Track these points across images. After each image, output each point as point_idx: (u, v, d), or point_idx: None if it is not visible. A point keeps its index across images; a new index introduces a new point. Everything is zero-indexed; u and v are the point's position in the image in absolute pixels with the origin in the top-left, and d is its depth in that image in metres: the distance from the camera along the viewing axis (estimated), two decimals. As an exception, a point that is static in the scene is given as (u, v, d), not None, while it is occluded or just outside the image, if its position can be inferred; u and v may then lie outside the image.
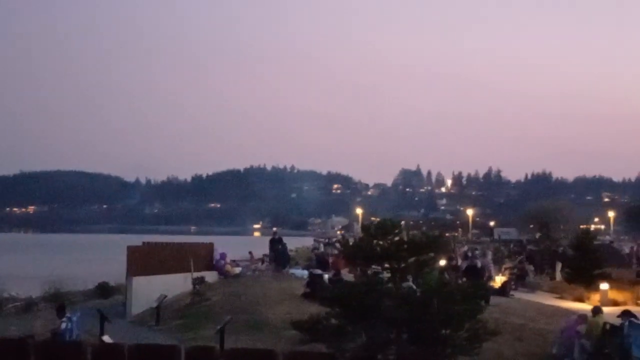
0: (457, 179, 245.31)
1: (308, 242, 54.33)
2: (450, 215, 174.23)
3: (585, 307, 19.61)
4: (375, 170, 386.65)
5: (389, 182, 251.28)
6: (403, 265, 12.15)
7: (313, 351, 10.86)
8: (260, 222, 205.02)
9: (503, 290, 23.54)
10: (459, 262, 26.93)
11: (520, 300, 22.36)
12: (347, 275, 22.54)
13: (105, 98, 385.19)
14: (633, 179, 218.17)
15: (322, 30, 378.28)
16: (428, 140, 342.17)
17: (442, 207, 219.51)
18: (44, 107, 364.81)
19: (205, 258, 25.52)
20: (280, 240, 29.35)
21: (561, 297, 24.03)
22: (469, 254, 29.16)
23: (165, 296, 20.70)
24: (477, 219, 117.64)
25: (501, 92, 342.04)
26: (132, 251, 23.61)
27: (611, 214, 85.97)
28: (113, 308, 22.34)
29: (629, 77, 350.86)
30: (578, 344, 13.63)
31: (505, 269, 29.75)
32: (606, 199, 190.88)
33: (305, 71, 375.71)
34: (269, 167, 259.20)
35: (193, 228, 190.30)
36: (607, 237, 65.48)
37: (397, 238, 12.26)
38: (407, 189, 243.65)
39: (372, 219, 45.87)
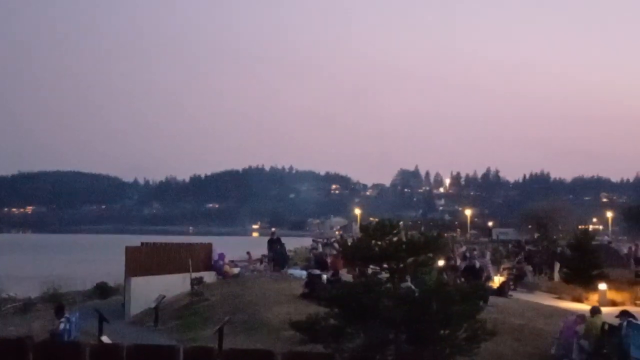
0: (455, 179, 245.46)
1: (306, 242, 54.27)
2: (448, 216, 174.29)
3: (584, 307, 19.61)
4: (374, 170, 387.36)
5: (387, 182, 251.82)
6: (402, 265, 12.15)
7: (312, 351, 10.85)
8: (259, 223, 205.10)
9: (501, 291, 23.55)
10: (458, 262, 26.95)
11: (518, 301, 22.35)
12: (345, 275, 22.55)
13: (104, 98, 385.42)
14: (631, 180, 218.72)
15: (320, 31, 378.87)
16: (426, 140, 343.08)
17: (441, 208, 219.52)
18: (42, 107, 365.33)
19: (203, 258, 25.51)
20: (278, 241, 29.34)
21: (560, 298, 24.04)
22: (468, 254, 29.17)
23: (164, 296, 20.69)
24: (476, 219, 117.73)
25: (500, 93, 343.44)
26: (130, 251, 23.59)
27: (609, 214, 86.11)
28: (112, 308, 22.30)
29: (628, 78, 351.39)
30: (577, 344, 13.64)
31: (504, 269, 29.77)
32: (604, 200, 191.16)
33: (304, 72, 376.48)
34: (267, 168, 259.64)
35: (191, 228, 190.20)
36: (606, 238, 65.52)
37: (395, 238, 12.25)
38: (406, 190, 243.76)
39: (371, 219, 45.87)
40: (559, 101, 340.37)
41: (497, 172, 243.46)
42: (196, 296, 21.61)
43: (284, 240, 30.71)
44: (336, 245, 30.85)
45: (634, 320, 13.11)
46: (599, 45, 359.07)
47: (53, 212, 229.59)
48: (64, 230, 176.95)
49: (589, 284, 23.61)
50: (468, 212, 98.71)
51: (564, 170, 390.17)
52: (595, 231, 74.69)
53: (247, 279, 25.04)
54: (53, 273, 28.17)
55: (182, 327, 18.69)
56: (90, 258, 58.43)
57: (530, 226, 58.98)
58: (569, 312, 17.50)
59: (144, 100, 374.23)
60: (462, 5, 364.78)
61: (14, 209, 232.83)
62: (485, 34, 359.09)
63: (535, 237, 49.56)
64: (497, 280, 25.71)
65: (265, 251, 30.83)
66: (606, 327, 13.93)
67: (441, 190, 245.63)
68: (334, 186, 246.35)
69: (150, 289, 21.35)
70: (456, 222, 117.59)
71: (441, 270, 23.15)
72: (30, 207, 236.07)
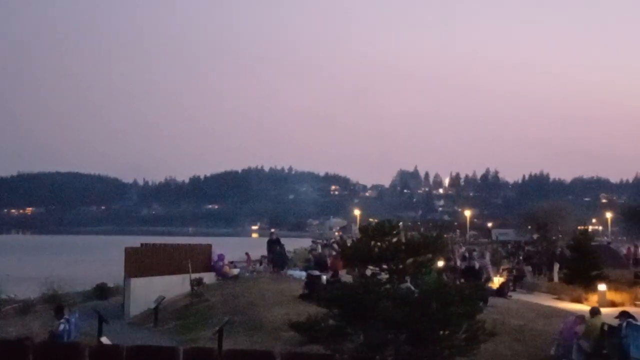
0: (454, 180, 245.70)
1: (306, 243, 54.25)
2: (448, 217, 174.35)
3: (584, 308, 19.63)
4: (373, 171, 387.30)
5: (386, 183, 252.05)
6: (401, 266, 12.15)
7: (311, 352, 10.85)
8: (258, 223, 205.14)
9: (501, 291, 23.57)
10: (457, 263, 26.95)
11: (518, 301, 22.36)
12: (345, 276, 22.54)
13: (104, 99, 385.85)
14: (631, 180, 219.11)
15: (320, 31, 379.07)
16: (426, 141, 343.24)
17: (440, 208, 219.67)
18: (42, 107, 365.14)
19: (203, 259, 25.52)
20: (278, 242, 29.31)
21: (559, 298, 24.04)
22: (467, 255, 29.18)
23: (164, 297, 20.69)
24: (475, 220, 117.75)
25: (499, 93, 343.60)
26: (130, 252, 23.61)
27: (609, 215, 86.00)
28: (111, 309, 22.31)
29: (627, 78, 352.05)
30: (576, 344, 13.63)
31: (503, 269, 29.79)
32: (604, 200, 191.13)
33: (304, 72, 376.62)
34: (267, 169, 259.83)
35: (191, 229, 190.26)
36: (605, 238, 65.58)
37: (395, 239, 12.25)
38: (405, 190, 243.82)
39: (370, 220, 45.86)
40: (558, 101, 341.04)
41: (496, 172, 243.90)
42: (196, 297, 21.60)
43: (283, 241, 30.68)
44: (335, 246, 30.84)
45: (633, 321, 13.11)
46: (599, 45, 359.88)
47: (52, 213, 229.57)
48: (64, 231, 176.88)
49: (589, 285, 23.62)
50: (467, 213, 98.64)
51: (563, 171, 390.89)
52: (595, 232, 74.82)
53: (246, 280, 25.05)
54: (53, 274, 28.01)
55: (181, 328, 18.68)
56: (90, 259, 58.40)
57: (529, 227, 58.86)
58: (569, 313, 17.50)
59: (144, 100, 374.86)
60: (462, 5, 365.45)
61: (13, 210, 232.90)
62: (485, 34, 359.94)
63: (535, 237, 49.50)
64: (496, 281, 25.73)
65: (264, 252, 30.82)
66: (606, 327, 13.93)
67: (440, 191, 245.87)
68: (333, 187, 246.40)
69: (150, 290, 21.36)
70: (455, 223, 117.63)
71: (441, 271, 23.16)
72: (30, 208, 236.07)
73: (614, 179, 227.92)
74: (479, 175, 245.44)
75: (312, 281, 21.31)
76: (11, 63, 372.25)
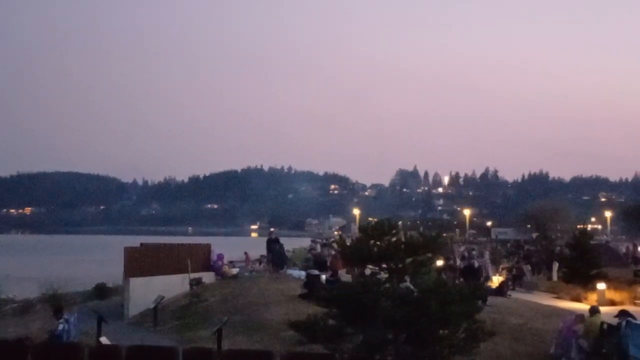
0: (454, 179, 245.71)
1: (305, 242, 54.34)
2: (447, 216, 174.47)
3: (583, 307, 19.63)
4: (373, 170, 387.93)
5: (386, 182, 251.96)
6: (400, 265, 12.14)
7: (311, 352, 10.85)
8: (258, 223, 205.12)
9: (500, 290, 23.57)
10: (457, 262, 26.99)
11: (517, 300, 22.37)
12: (344, 275, 22.57)
13: (104, 99, 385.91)
14: (630, 179, 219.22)
15: (320, 31, 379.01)
16: (425, 140, 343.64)
17: (439, 208, 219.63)
18: (41, 108, 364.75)
19: (202, 259, 25.49)
20: (277, 241, 29.29)
21: (558, 297, 24.05)
22: (466, 254, 29.22)
23: (163, 297, 20.67)
24: (475, 219, 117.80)
25: (498, 93, 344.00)
26: (129, 252, 23.58)
27: (608, 213, 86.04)
28: (111, 309, 22.30)
29: (627, 78, 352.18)
30: (575, 343, 13.64)
31: (503, 269, 29.79)
32: (603, 199, 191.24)
33: (303, 73, 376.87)
34: (266, 168, 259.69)
35: (190, 229, 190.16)
36: (604, 237, 65.61)
37: (394, 238, 12.24)
38: (405, 190, 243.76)
39: (370, 219, 45.85)
40: (558, 101, 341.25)
41: (495, 171, 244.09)
42: (195, 297, 21.59)
43: (282, 240, 30.66)
44: (335, 245, 30.88)
45: (632, 320, 13.11)
46: (598, 45, 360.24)
47: (52, 213, 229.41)
48: (63, 231, 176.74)
49: (588, 284, 23.63)
50: (467, 212, 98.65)
51: (562, 170, 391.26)
52: (594, 231, 74.78)
53: (245, 280, 25.04)
54: (52, 274, 28.06)
55: (181, 328, 18.67)
56: (89, 259, 58.38)
57: (529, 226, 58.94)
58: (568, 312, 17.52)
59: (144, 100, 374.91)
60: (462, 5, 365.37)
61: (12, 210, 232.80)
62: (484, 34, 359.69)
63: (534, 236, 49.61)
64: (496, 280, 25.73)
65: (264, 251, 30.81)
66: (605, 326, 13.93)
67: (440, 190, 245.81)
68: (332, 186, 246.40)
69: (149, 290, 21.35)
70: (455, 222, 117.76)
71: (440, 270, 23.20)
72: (29, 208, 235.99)
73: (613, 178, 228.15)
74: (478, 174, 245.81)
75: (311, 281, 21.31)
76: (11, 63, 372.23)
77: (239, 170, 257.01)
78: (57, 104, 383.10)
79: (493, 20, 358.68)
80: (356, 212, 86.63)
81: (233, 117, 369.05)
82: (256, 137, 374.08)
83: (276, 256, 28.51)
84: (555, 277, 28.60)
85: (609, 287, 22.62)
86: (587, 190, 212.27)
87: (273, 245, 28.90)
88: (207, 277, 24.33)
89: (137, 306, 21.74)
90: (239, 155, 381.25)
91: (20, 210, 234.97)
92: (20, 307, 24.79)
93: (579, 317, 14.57)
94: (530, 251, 38.61)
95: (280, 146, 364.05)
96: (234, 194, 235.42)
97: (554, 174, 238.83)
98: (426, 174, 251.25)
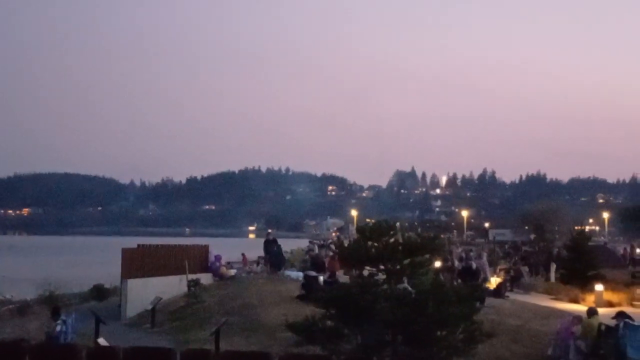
0: (451, 180, 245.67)
1: (303, 243, 54.21)
2: (445, 217, 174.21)
3: (581, 308, 19.63)
4: (370, 171, 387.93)
5: (383, 183, 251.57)
6: (398, 266, 12.16)
7: (308, 353, 10.84)
8: (255, 224, 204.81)
9: (498, 292, 23.56)
10: (454, 263, 26.96)
11: (515, 302, 22.36)
12: (342, 277, 22.54)
13: (101, 99, 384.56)
14: (627, 180, 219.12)
15: (320, 31, 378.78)
16: (423, 141, 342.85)
17: (437, 209, 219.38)
18: (40, 108, 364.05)
19: (200, 260, 25.48)
20: (275, 242, 29.27)
21: (556, 299, 24.05)
22: (464, 255, 29.20)
23: (160, 298, 20.65)
24: (472, 220, 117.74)
25: (497, 94, 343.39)
26: (126, 253, 23.55)
27: (606, 215, 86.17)
28: (108, 310, 22.26)
29: (626, 79, 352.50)
30: (573, 345, 13.65)
31: (500, 270, 29.80)
32: (601, 200, 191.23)
33: (304, 72, 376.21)
34: (263, 169, 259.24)
35: (188, 230, 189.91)
36: (602, 238, 65.64)
37: (392, 240, 12.26)
38: (402, 191, 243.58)
39: (367, 220, 45.83)
40: (556, 102, 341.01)
41: (493, 173, 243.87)
42: (193, 298, 21.57)
43: (280, 241, 30.64)
44: (333, 246, 30.90)
45: (630, 321, 13.14)
46: (598, 45, 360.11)
47: (49, 214, 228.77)
48: (60, 232, 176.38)
49: (586, 285, 23.63)
50: (464, 213, 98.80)
51: (560, 171, 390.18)
52: (592, 232, 74.88)
53: (243, 281, 25.03)
54: (49, 275, 27.98)
55: (178, 329, 18.64)
56: (87, 260, 58.23)
57: (526, 227, 58.88)
58: (566, 313, 17.52)
59: (143, 100, 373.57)
60: (462, 5, 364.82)
61: (9, 211, 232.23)
62: (484, 34, 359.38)
63: (532, 238, 49.58)
64: (493, 282, 25.70)
65: (261, 253, 30.77)
66: (603, 328, 13.96)
67: (437, 191, 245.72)
68: (330, 187, 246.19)
69: (147, 291, 21.33)
70: (453, 223, 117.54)
71: (438, 271, 23.15)
72: (26, 209, 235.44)
73: (611, 179, 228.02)
74: (476, 175, 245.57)
75: (309, 282, 21.31)
76: (11, 63, 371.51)
77: (237, 171, 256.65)
78: (55, 104, 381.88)
79: (493, 20, 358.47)
80: (354, 213, 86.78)
81: (233, 117, 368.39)
82: (255, 137, 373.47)
83: (274, 257, 28.48)
84: (553, 278, 28.59)
85: (606, 289, 22.62)
86: (585, 191, 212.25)
87: (271, 246, 28.88)
88: (205, 279, 24.30)
89: (135, 307, 21.70)
90: (236, 156, 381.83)
91: (18, 211, 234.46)
92: (17, 308, 24.72)
93: (576, 318, 14.58)
94: (528, 252, 38.61)
95: (279, 147, 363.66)
96: (231, 195, 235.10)
97: (552, 175, 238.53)
98: (424, 175, 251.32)
